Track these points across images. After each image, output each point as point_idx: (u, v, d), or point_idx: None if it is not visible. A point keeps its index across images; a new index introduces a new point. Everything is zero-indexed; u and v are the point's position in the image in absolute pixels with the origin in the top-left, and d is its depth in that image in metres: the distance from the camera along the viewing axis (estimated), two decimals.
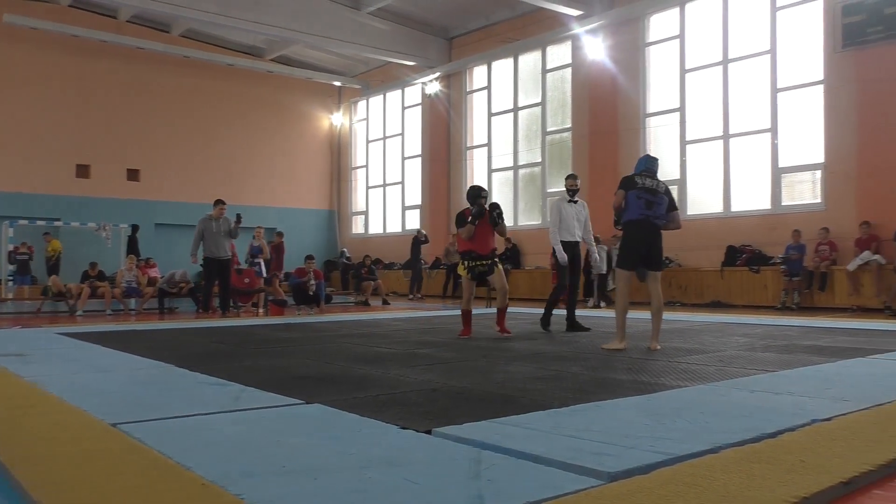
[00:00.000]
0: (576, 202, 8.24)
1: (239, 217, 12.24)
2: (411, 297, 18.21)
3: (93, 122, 19.87)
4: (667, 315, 7.95)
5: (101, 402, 3.88)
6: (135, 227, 18.19)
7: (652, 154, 6.95)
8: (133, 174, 20.61)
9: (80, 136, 19.70)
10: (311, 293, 12.64)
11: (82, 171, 19.91)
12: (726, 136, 14.36)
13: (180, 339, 7.70)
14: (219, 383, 4.56)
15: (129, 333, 8.47)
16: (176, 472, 2.52)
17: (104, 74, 20.04)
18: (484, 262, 7.52)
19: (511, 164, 18.87)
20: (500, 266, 7.76)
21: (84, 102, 19.79)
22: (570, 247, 8.12)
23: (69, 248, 17.99)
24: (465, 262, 7.56)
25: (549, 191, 17.87)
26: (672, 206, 6.46)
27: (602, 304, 14.21)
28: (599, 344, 6.75)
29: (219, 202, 12.27)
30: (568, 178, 8.44)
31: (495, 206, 7.56)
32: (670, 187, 6.75)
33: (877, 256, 11.67)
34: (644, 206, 6.26)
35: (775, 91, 13.69)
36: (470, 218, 7.44)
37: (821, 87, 13.08)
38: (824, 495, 2.27)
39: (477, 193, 7.53)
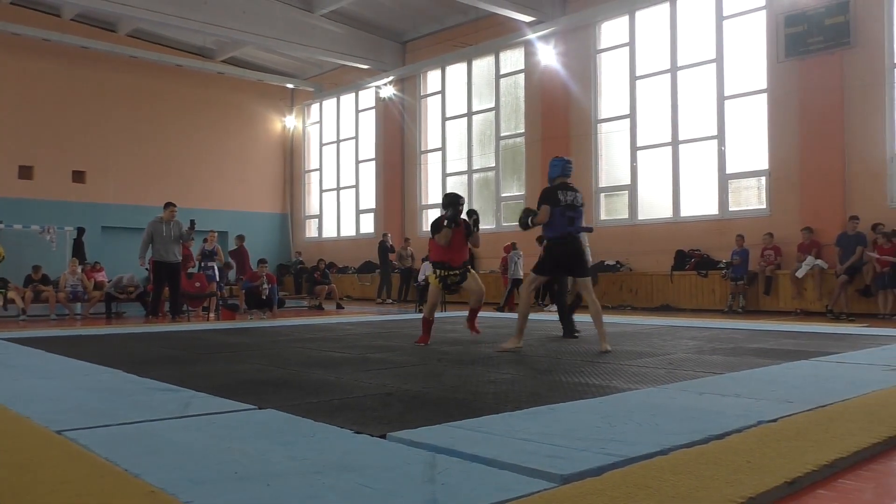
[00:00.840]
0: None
1: (193, 223, 12.06)
2: (380, 300, 18.14)
3: (36, 122, 19.31)
4: (618, 319, 8.12)
5: (45, 409, 3.79)
6: (80, 230, 17.75)
7: (564, 157, 7.08)
8: (79, 176, 20.07)
9: (22, 136, 19.11)
10: (264, 297, 12.50)
11: (25, 172, 19.31)
12: (675, 143, 14.64)
13: (128, 345, 7.55)
14: (168, 389, 4.48)
15: (75, 339, 8.27)
16: (123, 480, 2.47)
17: (48, 74, 19.50)
18: (455, 273, 7.35)
19: (465, 168, 18.94)
20: (473, 271, 7.61)
21: (27, 102, 19.21)
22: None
23: (11, 251, 17.45)
24: (437, 272, 7.35)
25: (503, 195, 17.99)
26: (582, 210, 6.85)
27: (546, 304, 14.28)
28: (562, 349, 6.82)
29: (169, 205, 12.05)
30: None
31: (472, 213, 7.43)
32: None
33: (819, 261, 12.02)
34: (567, 223, 6.62)
35: (722, 99, 14.02)
36: (446, 222, 7.22)
37: (765, 96, 13.43)
38: (769, 495, 2.33)
39: (454, 200, 7.30)
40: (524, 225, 6.89)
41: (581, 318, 8.19)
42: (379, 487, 2.37)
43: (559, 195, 6.64)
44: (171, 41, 21.18)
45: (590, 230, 7.23)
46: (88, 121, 20.06)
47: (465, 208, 7.45)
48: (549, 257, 6.71)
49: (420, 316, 12.61)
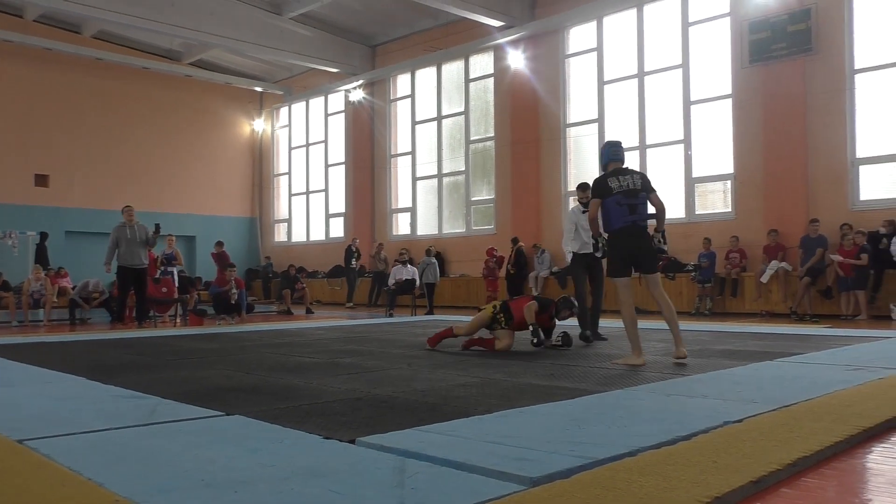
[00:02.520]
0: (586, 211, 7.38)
1: (158, 227, 11.90)
2: (349, 304, 18.07)
3: None
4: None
5: (7, 417, 3.72)
6: (43, 235, 17.45)
7: (613, 139, 6.36)
8: (41, 180, 19.70)
9: None
10: (232, 302, 12.38)
11: None
12: (643, 147, 14.81)
13: (93, 351, 7.43)
14: (134, 396, 4.42)
15: (38, 346, 8.11)
16: (88, 489, 2.43)
17: (9, 75, 19.13)
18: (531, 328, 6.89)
19: (435, 172, 18.95)
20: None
21: None
22: (588, 257, 7.79)
23: None
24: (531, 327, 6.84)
25: (473, 199, 18.03)
26: (650, 190, 5.94)
27: None
28: (534, 352, 6.82)
29: (126, 207, 11.90)
30: (577, 188, 8.18)
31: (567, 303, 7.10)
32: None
33: (783, 264, 12.22)
34: (627, 213, 5.78)
35: (688, 104, 14.21)
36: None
37: (730, 101, 13.64)
38: (735, 494, 2.36)
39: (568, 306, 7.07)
40: (596, 248, 6.11)
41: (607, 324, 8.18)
42: (348, 493, 2.36)
43: (609, 182, 5.84)
44: (137, 43, 20.92)
45: (655, 217, 5.95)
46: (52, 123, 19.73)
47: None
48: (616, 253, 5.89)
49: (389, 320, 12.60)
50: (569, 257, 8.09)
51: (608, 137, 15.29)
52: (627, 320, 5.90)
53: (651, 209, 5.94)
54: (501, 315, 6.93)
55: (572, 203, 15.06)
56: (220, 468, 2.68)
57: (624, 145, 6.45)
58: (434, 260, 15.35)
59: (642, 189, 5.87)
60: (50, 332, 10.74)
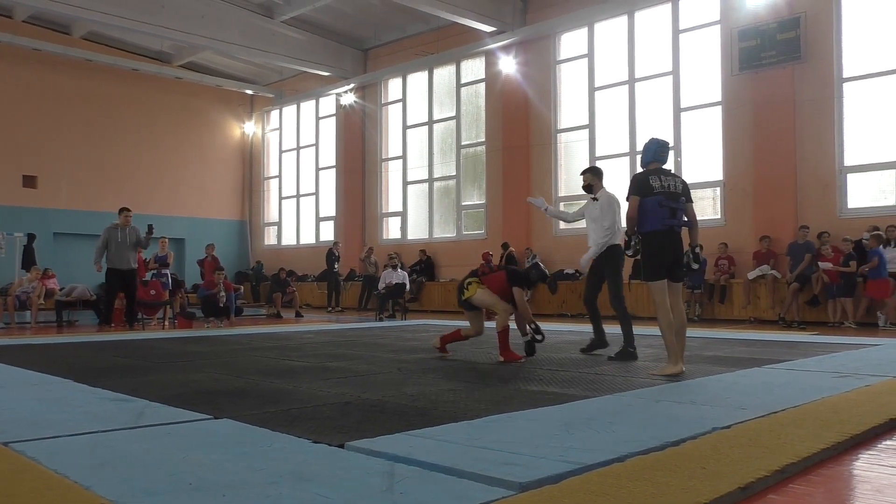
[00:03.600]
0: (595, 199, 7.13)
1: (151, 228, 11.85)
2: (330, 309, 18.02)
3: None
4: (578, 326, 8.11)
5: None
6: (31, 237, 17.32)
7: (660, 138, 5.84)
8: (29, 181, 19.56)
9: None
10: (221, 305, 12.33)
11: None
12: (633, 153, 14.83)
13: (80, 354, 7.38)
14: (121, 399, 4.39)
15: (24, 347, 8.06)
16: (74, 493, 2.41)
17: None
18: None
19: (426, 176, 18.95)
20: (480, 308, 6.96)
21: None
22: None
23: None
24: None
25: (464, 203, 18.04)
26: (689, 198, 5.64)
27: None
28: (520, 360, 6.82)
29: (123, 210, 11.83)
30: (586, 172, 7.37)
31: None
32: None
33: (773, 271, 12.28)
34: (668, 216, 5.44)
35: (678, 110, 14.27)
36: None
37: (720, 108, 13.71)
38: (723, 500, 2.37)
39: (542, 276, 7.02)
40: (628, 246, 5.56)
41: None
42: (336, 497, 2.36)
43: (651, 181, 5.45)
44: (127, 45, 20.83)
45: (691, 225, 5.66)
46: (41, 124, 19.61)
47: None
48: (653, 257, 5.45)
49: (380, 324, 12.59)
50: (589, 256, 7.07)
51: (598, 144, 15.37)
52: (664, 325, 5.45)
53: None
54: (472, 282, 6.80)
55: (562, 207, 15.19)
56: (208, 472, 2.67)
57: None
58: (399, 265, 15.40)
59: (682, 194, 5.58)
60: (36, 335, 10.67)
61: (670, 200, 5.44)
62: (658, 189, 5.44)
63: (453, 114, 18.39)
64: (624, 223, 5.85)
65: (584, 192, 7.40)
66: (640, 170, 5.79)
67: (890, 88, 11.94)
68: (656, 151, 5.68)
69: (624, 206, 5.96)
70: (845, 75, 12.34)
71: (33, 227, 18.05)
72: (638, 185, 5.49)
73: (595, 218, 7.00)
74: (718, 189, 13.78)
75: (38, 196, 19.59)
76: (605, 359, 6.56)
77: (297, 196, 22.94)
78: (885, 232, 11.13)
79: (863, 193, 12.20)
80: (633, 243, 5.52)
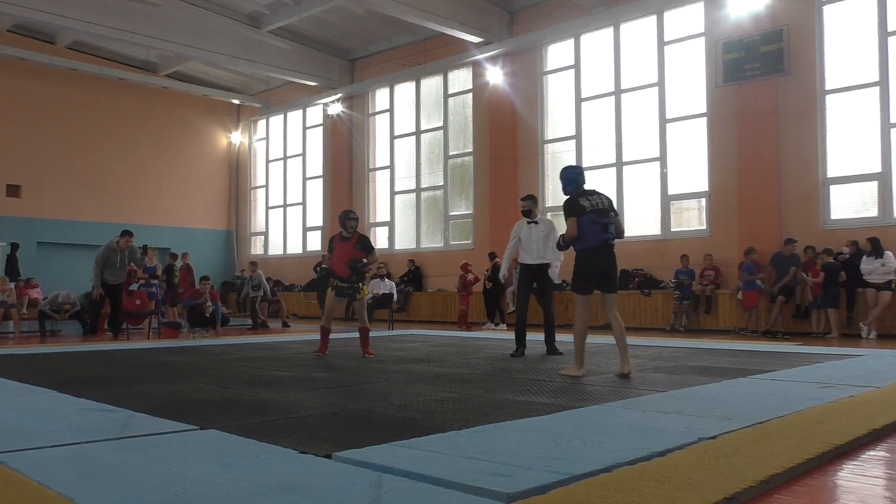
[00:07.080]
0: (536, 223, 8.18)
1: (146, 248, 11.86)
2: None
3: None
4: (563, 337, 8.13)
5: None
6: (14, 246, 17.18)
7: (571, 165, 6.67)
8: (13, 190, 19.41)
9: None
10: (207, 315, 12.26)
11: None
12: (619, 164, 14.94)
13: (64, 364, 7.32)
14: (105, 409, 4.36)
15: (6, 357, 7.97)
16: None
17: None
18: (344, 284, 7.94)
19: (413, 186, 18.97)
20: (363, 295, 8.13)
21: None
22: (532, 269, 8.10)
23: None
24: (332, 281, 8.05)
25: (452, 214, 18.06)
26: (615, 211, 6.27)
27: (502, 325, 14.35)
28: (510, 367, 6.83)
29: (126, 233, 11.81)
30: (522, 200, 8.51)
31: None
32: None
33: (759, 283, 12.33)
34: (601, 231, 5.99)
35: (664, 122, 14.38)
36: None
37: (704, 119, 13.83)
38: None
39: (345, 216, 8.07)
40: (561, 246, 6.42)
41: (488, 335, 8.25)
42: None
43: (581, 202, 6.04)
44: (112, 54, 20.75)
45: (620, 237, 6.26)
46: (25, 134, 19.47)
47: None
48: (586, 270, 6.04)
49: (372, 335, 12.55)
50: (504, 270, 8.74)
51: (585, 154, 15.44)
52: (579, 333, 6.15)
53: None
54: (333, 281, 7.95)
55: (549, 216, 15.21)
56: (194, 483, 2.65)
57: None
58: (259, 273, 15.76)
59: (610, 209, 6.12)
60: (19, 345, 10.56)
61: (601, 217, 6.01)
62: (589, 208, 6.01)
63: (440, 124, 18.43)
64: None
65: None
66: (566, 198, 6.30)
67: (871, 100, 12.08)
68: (576, 180, 6.30)
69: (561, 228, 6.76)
70: (827, 87, 12.48)
71: (17, 237, 17.91)
72: (572, 207, 6.06)
73: (543, 237, 8.03)
74: (704, 200, 13.88)
75: (22, 205, 19.43)
76: (590, 369, 6.56)
77: (284, 206, 22.89)
78: (866, 242, 11.26)
79: (845, 205, 12.32)
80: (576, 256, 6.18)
